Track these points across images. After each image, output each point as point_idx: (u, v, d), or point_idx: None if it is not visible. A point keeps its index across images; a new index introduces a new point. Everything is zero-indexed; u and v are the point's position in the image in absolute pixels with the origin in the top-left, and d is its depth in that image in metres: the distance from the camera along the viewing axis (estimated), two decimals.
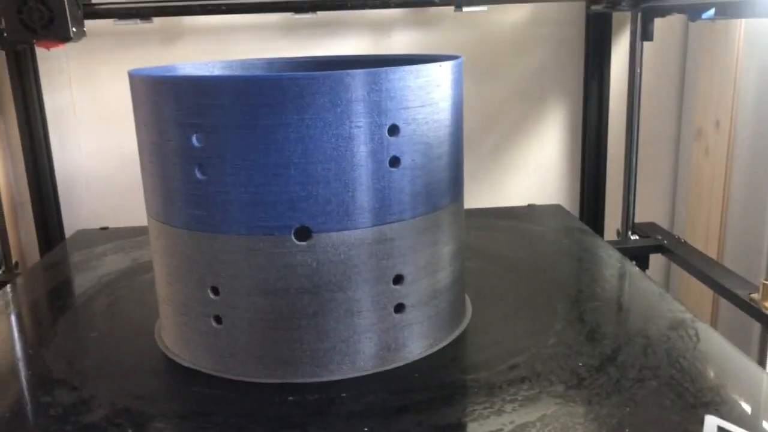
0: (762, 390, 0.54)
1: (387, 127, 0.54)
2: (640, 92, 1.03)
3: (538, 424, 0.49)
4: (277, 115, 0.51)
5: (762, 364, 0.83)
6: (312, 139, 0.52)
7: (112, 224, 1.09)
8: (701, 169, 1.21)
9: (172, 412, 0.53)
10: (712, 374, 0.56)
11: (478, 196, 1.23)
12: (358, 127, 0.53)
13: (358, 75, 0.52)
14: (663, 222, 1.25)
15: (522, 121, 1.24)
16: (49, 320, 0.72)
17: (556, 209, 1.09)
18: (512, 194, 1.24)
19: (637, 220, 1.10)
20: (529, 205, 1.11)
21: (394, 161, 0.55)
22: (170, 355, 0.62)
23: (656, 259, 1.12)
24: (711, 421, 0.49)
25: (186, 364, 0.60)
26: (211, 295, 0.57)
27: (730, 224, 1.15)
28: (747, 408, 0.51)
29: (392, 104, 0.54)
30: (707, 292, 1.18)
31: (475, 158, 1.21)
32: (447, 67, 0.58)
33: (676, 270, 1.28)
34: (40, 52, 1.11)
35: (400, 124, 0.54)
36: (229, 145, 0.52)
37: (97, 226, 1.09)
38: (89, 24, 1.05)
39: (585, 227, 0.98)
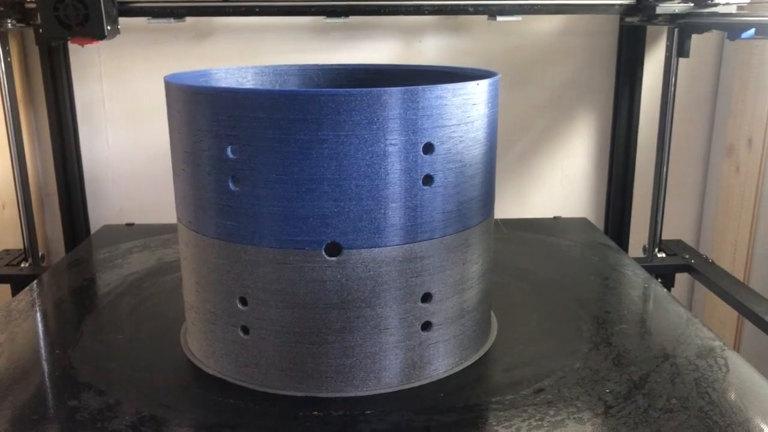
0: None
1: (422, 145, 0.54)
2: (673, 108, 1.02)
3: None
4: (312, 131, 0.51)
5: None
6: (347, 156, 0.52)
7: (137, 220, 1.09)
8: (731, 187, 1.19)
9: (196, 422, 0.53)
10: (742, 406, 0.55)
11: (503, 206, 1.22)
12: (393, 144, 0.52)
13: (396, 93, 0.51)
14: (689, 239, 1.23)
15: (550, 131, 1.23)
16: (75, 320, 0.72)
17: (582, 222, 1.08)
18: (538, 205, 1.23)
19: (664, 236, 1.09)
20: (555, 218, 1.10)
21: (428, 179, 0.55)
22: (196, 363, 0.62)
23: (680, 276, 1.11)
24: None
25: (211, 372, 0.60)
26: (240, 306, 0.57)
27: (758, 245, 1.13)
28: None
29: (428, 122, 0.53)
30: (732, 313, 1.16)
31: (502, 167, 1.20)
32: (484, 85, 0.58)
33: (700, 288, 1.27)
34: (72, 46, 1.11)
35: (435, 142, 0.54)
36: (263, 159, 0.52)
37: (123, 221, 1.10)
38: (121, 19, 1.06)
39: (611, 243, 0.97)
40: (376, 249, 0.54)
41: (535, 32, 1.17)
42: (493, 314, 0.71)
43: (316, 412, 0.54)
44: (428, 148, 0.54)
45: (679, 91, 1.10)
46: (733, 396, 0.56)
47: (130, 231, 1.03)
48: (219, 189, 0.55)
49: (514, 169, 1.22)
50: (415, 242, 0.56)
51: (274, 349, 0.56)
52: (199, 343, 0.62)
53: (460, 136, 0.56)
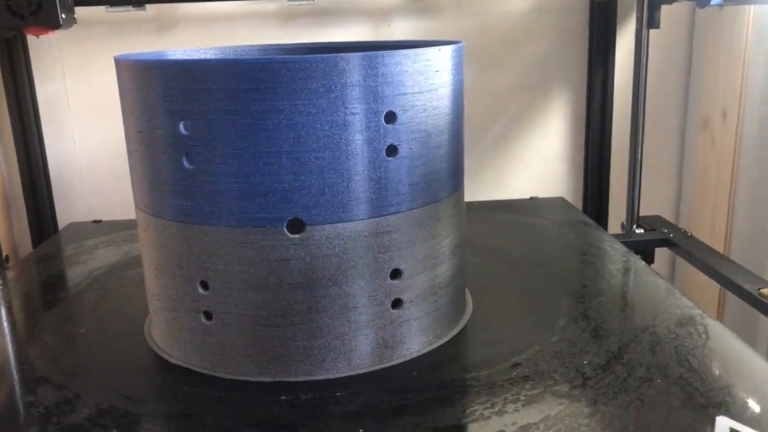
0: None
1: (384, 114, 0.52)
2: (646, 82, 1.00)
3: (541, 425, 0.47)
4: (267, 101, 0.49)
5: None
6: (305, 127, 0.49)
7: (107, 219, 1.06)
8: (707, 160, 1.18)
9: (159, 412, 0.51)
10: (722, 373, 0.53)
11: (479, 189, 1.20)
12: (354, 113, 0.50)
13: (353, 59, 0.49)
14: (667, 215, 1.22)
15: (524, 113, 1.21)
16: (35, 316, 0.69)
17: (559, 202, 1.07)
18: (514, 187, 1.22)
19: (642, 213, 1.08)
20: (531, 198, 1.09)
21: (392, 150, 0.53)
22: (159, 353, 0.60)
23: (661, 253, 1.10)
24: (722, 423, 0.47)
25: (175, 362, 0.58)
26: (201, 290, 0.55)
27: (736, 217, 1.12)
28: (759, 408, 0.48)
29: (389, 90, 0.51)
30: (713, 287, 1.15)
31: (476, 150, 1.19)
32: (447, 51, 0.56)
33: (681, 264, 1.26)
34: (31, 41, 1.08)
35: (397, 111, 0.52)
36: (218, 133, 0.50)
37: (91, 219, 1.07)
38: (83, 12, 1.03)
39: (589, 220, 0.95)
40: (341, 224, 0.52)
41: (506, 12, 1.15)
42: (468, 293, 0.69)
43: (284, 397, 0.52)
44: (390, 117, 0.52)
45: (652, 67, 1.09)
46: (713, 362, 0.55)
47: (98, 228, 1.00)
48: (173, 168, 0.52)
49: (489, 153, 1.21)
50: (382, 216, 0.53)
51: (238, 334, 0.54)
52: (162, 333, 0.60)
53: (423, 105, 0.54)
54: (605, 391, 0.51)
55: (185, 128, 0.51)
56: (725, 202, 1.13)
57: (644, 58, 0.98)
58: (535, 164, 1.22)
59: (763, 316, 0.87)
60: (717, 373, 0.53)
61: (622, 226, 1.06)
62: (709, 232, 1.16)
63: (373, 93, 0.51)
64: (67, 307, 0.71)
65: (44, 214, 1.12)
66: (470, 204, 1.05)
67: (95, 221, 1.04)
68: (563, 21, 1.17)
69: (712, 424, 0.46)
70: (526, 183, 1.21)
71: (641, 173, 1.04)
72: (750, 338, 1.04)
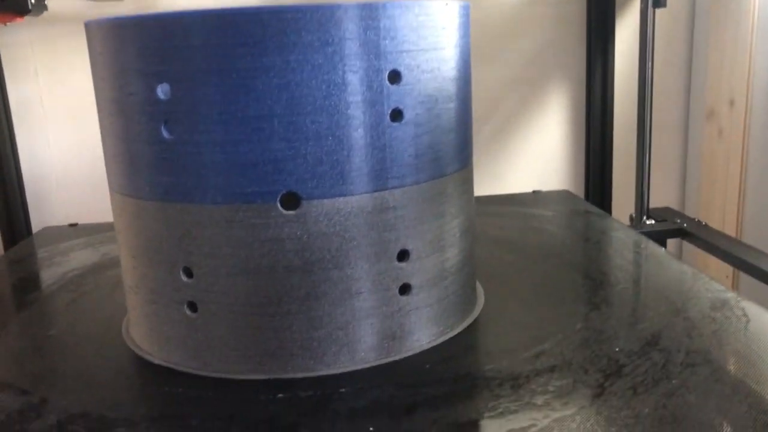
0: None
1: (387, 72, 0.46)
2: (652, 65, 0.96)
3: (577, 417, 0.41)
4: (256, 57, 0.43)
5: None
6: (298, 86, 0.44)
7: (84, 222, 1.00)
8: (714, 151, 1.13)
9: (137, 415, 0.45)
10: None
11: (479, 185, 1.14)
12: (353, 71, 0.45)
13: (352, 8, 0.44)
14: (673, 207, 1.17)
15: (522, 107, 1.16)
16: (2, 318, 0.62)
17: (563, 194, 1.01)
18: (514, 182, 1.16)
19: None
20: (534, 192, 1.03)
21: (396, 115, 0.47)
22: (139, 353, 0.53)
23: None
24: None
25: (156, 362, 0.51)
26: (184, 278, 0.48)
27: (748, 207, 1.07)
28: None
29: (392, 45, 0.46)
30: (725, 280, 1.10)
31: (475, 145, 1.13)
32: (454, 7, 0.50)
33: (689, 258, 1.21)
34: (1, 39, 1.02)
35: (402, 69, 0.46)
36: (200, 96, 0.44)
37: (67, 224, 1.00)
38: (57, 7, 0.97)
39: (597, 210, 0.90)
40: (341, 198, 0.46)
41: (499, 4, 1.11)
42: (478, 283, 0.63)
43: (281, 395, 0.46)
44: (395, 77, 0.46)
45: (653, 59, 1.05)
46: (759, 345, 0.49)
47: (74, 231, 0.94)
48: (150, 139, 0.46)
49: (488, 148, 1.15)
50: (386, 190, 0.48)
51: (227, 327, 0.48)
52: (141, 330, 0.53)
53: (429, 65, 0.48)
54: (644, 379, 0.45)
55: (163, 93, 0.45)
56: (735, 192, 1.08)
57: (650, 40, 0.94)
58: (535, 159, 1.17)
59: None
60: (765, 355, 0.48)
61: (631, 218, 1.00)
62: (719, 224, 1.11)
63: (375, 48, 0.45)
64: (37, 310, 0.64)
65: (16, 218, 1.05)
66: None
67: (71, 225, 0.97)
68: (560, 10, 1.12)
69: None
70: (526, 178, 1.16)
71: (650, 161, 0.99)
72: None
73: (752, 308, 0.55)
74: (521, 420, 0.41)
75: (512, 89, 1.14)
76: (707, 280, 0.62)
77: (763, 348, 0.49)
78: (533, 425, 0.41)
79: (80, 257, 0.80)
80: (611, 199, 1.15)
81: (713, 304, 0.56)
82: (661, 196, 1.20)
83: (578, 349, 0.50)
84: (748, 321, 0.53)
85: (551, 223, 0.85)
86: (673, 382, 0.45)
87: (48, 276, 0.74)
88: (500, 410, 0.42)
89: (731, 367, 0.46)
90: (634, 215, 1.00)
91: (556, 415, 0.41)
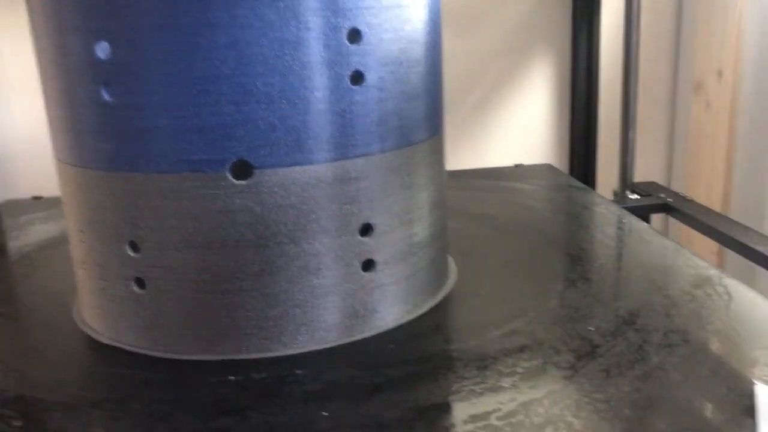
0: None
1: (347, 31, 0.42)
2: (638, 36, 0.92)
3: (545, 401, 0.38)
4: (200, 12, 0.39)
5: None
6: (248, 44, 0.40)
7: (51, 195, 0.96)
8: (702, 124, 1.11)
9: (78, 399, 0.42)
10: (753, 335, 0.45)
11: (458, 158, 1.11)
12: (308, 28, 0.41)
13: None
14: (659, 182, 1.15)
15: (505, 78, 1.13)
16: None
17: (546, 168, 0.98)
18: (496, 156, 1.13)
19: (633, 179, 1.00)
20: (516, 165, 1.00)
21: (357, 77, 0.44)
22: (87, 331, 0.50)
23: (652, 221, 1.02)
24: (764, 391, 0.38)
25: (105, 341, 0.48)
26: (130, 252, 0.45)
27: (735, 181, 1.05)
28: None
29: (352, 1, 0.42)
30: (710, 256, 1.08)
31: (456, 119, 1.10)
32: None
33: (674, 233, 1.18)
34: None
35: (362, 28, 0.43)
36: (141, 55, 0.41)
37: (31, 196, 0.96)
38: None
39: (579, 184, 0.87)
40: (298, 168, 0.43)
41: None
42: (451, 259, 0.60)
43: (232, 377, 0.43)
44: (355, 36, 0.43)
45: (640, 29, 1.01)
46: (740, 324, 0.47)
47: (37, 204, 0.90)
48: (91, 102, 0.43)
49: (470, 121, 1.12)
50: (347, 159, 0.44)
51: (176, 304, 0.45)
52: (90, 308, 0.50)
53: (393, 25, 0.45)
54: (618, 360, 0.42)
55: (102, 51, 0.41)
56: (722, 166, 1.05)
57: (636, 9, 0.90)
58: (518, 132, 1.14)
59: (761, 282, 0.79)
60: (746, 335, 0.45)
61: (615, 193, 0.98)
62: (705, 199, 1.09)
63: (332, 4, 0.41)
64: None
65: None
66: (450, 172, 0.96)
67: (35, 197, 0.93)
68: None
69: (751, 392, 0.38)
70: (508, 151, 1.13)
71: (635, 134, 0.96)
72: None
73: (735, 286, 0.53)
74: (486, 404, 0.38)
75: (495, 60, 1.11)
76: (690, 255, 0.59)
77: (744, 327, 0.46)
78: (498, 409, 0.38)
79: (40, 231, 0.77)
80: (596, 173, 1.12)
81: (695, 282, 0.54)
82: (648, 171, 1.17)
83: (551, 327, 0.47)
84: (730, 299, 0.50)
85: (532, 198, 0.82)
86: (650, 363, 0.42)
87: (3, 250, 0.70)
88: (464, 393, 0.40)
89: (711, 348, 0.44)
90: (617, 190, 0.97)
91: (523, 398, 0.39)
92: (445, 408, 0.39)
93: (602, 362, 0.42)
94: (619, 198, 0.94)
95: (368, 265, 0.47)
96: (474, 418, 0.37)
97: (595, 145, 1.12)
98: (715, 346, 0.44)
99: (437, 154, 0.53)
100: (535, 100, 1.13)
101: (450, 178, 0.92)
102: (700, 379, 0.40)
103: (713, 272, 0.55)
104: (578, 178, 1.11)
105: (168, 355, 0.46)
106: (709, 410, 0.37)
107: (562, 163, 1.14)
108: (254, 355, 0.45)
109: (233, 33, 0.40)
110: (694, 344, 0.44)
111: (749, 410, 0.37)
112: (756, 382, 0.39)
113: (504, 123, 1.13)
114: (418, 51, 0.48)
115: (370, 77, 0.44)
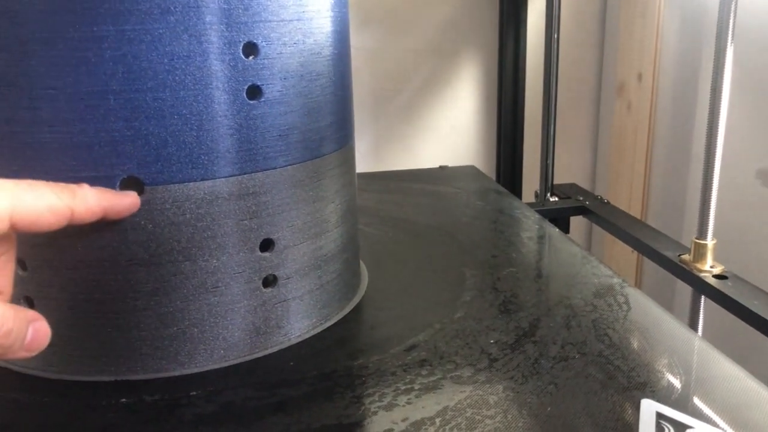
0: (702, 362, 0.45)
1: (242, 45, 0.42)
2: (558, 38, 0.94)
3: (437, 420, 0.39)
4: (87, 26, 0.38)
5: (693, 328, 0.76)
6: (137, 59, 0.39)
7: None
8: (624, 125, 1.13)
9: None
10: (645, 347, 0.47)
11: (388, 161, 1.12)
12: (200, 43, 0.40)
13: None
14: (584, 183, 1.17)
15: (434, 79, 1.13)
16: None
17: (470, 170, 0.99)
18: (423, 157, 1.14)
19: (556, 181, 1.02)
20: (441, 167, 1.01)
21: (254, 91, 0.43)
22: None
23: (577, 222, 1.04)
24: (648, 406, 0.40)
25: None
26: (19, 271, 0.43)
27: (653, 183, 1.08)
28: (685, 386, 0.42)
29: (247, 15, 0.41)
30: (631, 256, 1.11)
31: (383, 119, 1.10)
32: None
33: (598, 233, 1.21)
34: None
35: (259, 41, 0.42)
36: (26, 69, 0.39)
37: None
38: None
39: (500, 188, 0.88)
40: (192, 184, 0.42)
41: None
42: (364, 268, 0.60)
43: (124, 400, 0.42)
44: (251, 50, 0.42)
45: (564, 33, 1.03)
46: (636, 336, 0.48)
47: None
48: None
49: (396, 121, 1.12)
50: (245, 174, 0.44)
51: (68, 324, 0.43)
52: None
53: (294, 37, 0.44)
54: (513, 375, 0.43)
55: None
56: (642, 167, 1.08)
57: (556, 12, 0.92)
58: (445, 133, 1.14)
59: (680, 283, 0.82)
60: (640, 348, 0.46)
61: (536, 194, 0.99)
62: (626, 199, 1.12)
63: (226, 17, 0.41)
64: None
65: None
66: (373, 174, 0.96)
67: None
68: None
69: (637, 408, 0.39)
70: (435, 153, 1.14)
71: (555, 138, 0.97)
72: (668, 307, 1.00)
73: (635, 295, 0.54)
74: (378, 424, 0.39)
75: (422, 60, 1.11)
76: (596, 263, 0.61)
77: (638, 339, 0.47)
78: (390, 429, 0.38)
79: None
80: (522, 175, 1.14)
81: (597, 291, 0.55)
82: (574, 172, 1.19)
83: (452, 340, 0.48)
84: (628, 309, 0.52)
85: (451, 201, 0.83)
86: (543, 378, 0.43)
87: None
88: (360, 412, 0.40)
89: (603, 361, 0.45)
90: (538, 192, 0.99)
91: (416, 416, 0.39)
92: (336, 430, 0.38)
93: (499, 376, 0.43)
94: (540, 200, 0.96)
95: (269, 281, 0.47)
96: None
97: (521, 147, 1.13)
98: (607, 358, 0.45)
99: (346, 165, 0.53)
100: (463, 100, 1.14)
101: (374, 180, 0.92)
102: (589, 395, 0.41)
103: (616, 281, 0.57)
104: (504, 180, 1.13)
105: (58, 376, 0.44)
106: (593, 426, 0.38)
107: (489, 165, 1.16)
108: (150, 376, 0.44)
109: (121, 47, 0.39)
110: (588, 357, 0.45)
111: (632, 426, 0.38)
112: (642, 396, 0.40)
113: (431, 125, 1.14)
114: (322, 64, 0.47)
115: (269, 91, 0.43)
